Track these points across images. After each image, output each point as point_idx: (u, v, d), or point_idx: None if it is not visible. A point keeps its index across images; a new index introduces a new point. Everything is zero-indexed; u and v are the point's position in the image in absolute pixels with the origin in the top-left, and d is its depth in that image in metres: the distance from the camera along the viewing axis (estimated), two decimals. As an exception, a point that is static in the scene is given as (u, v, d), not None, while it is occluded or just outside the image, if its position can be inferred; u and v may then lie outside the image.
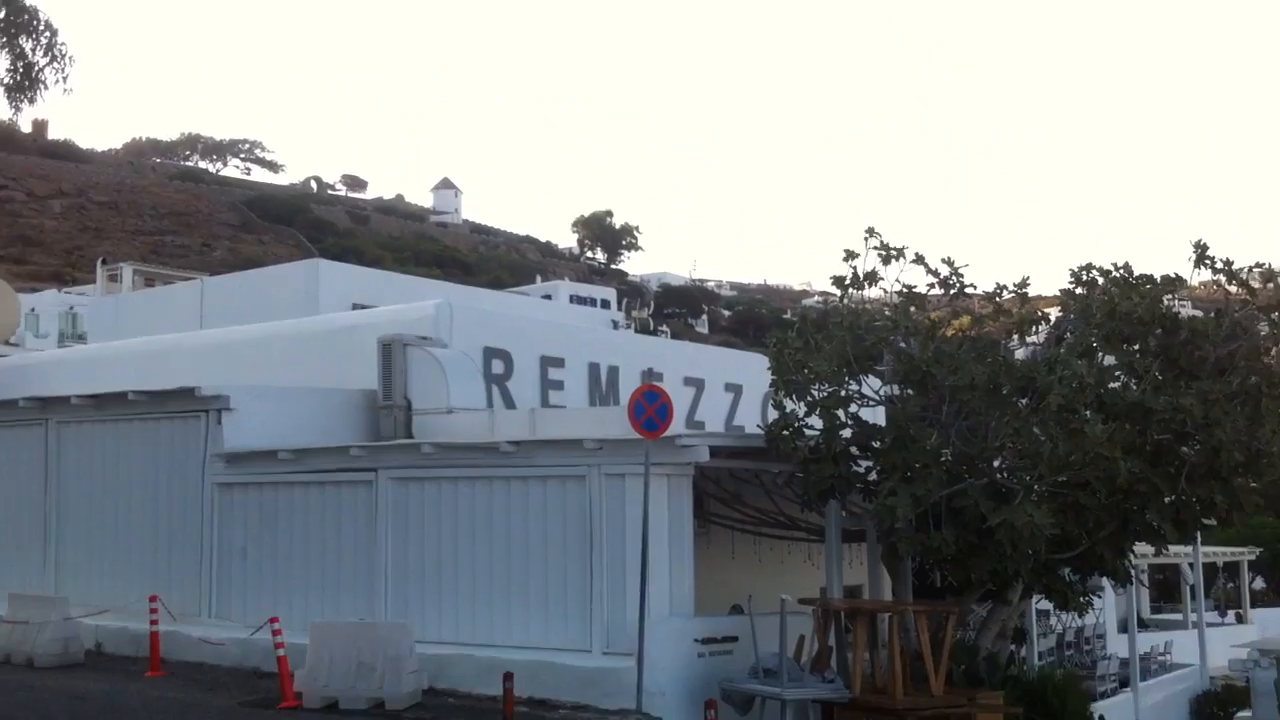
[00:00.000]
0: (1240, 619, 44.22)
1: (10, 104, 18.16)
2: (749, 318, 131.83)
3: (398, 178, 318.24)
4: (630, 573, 14.71)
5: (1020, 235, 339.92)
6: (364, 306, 23.75)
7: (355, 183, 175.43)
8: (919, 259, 17.29)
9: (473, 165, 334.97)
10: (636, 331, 44.11)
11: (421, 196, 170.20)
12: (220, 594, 18.35)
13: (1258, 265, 17.63)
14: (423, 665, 14.89)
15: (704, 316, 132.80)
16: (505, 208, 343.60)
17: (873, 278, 17.31)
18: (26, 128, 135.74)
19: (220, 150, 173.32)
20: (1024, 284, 17.49)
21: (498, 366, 20.50)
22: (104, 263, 67.93)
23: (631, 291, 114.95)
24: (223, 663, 16.88)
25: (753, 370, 22.23)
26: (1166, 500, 15.52)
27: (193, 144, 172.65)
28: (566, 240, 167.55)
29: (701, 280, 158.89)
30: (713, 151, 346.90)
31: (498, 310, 25.68)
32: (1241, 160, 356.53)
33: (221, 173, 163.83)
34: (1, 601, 18.39)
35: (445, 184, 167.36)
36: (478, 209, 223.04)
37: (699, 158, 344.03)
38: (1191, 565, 31.44)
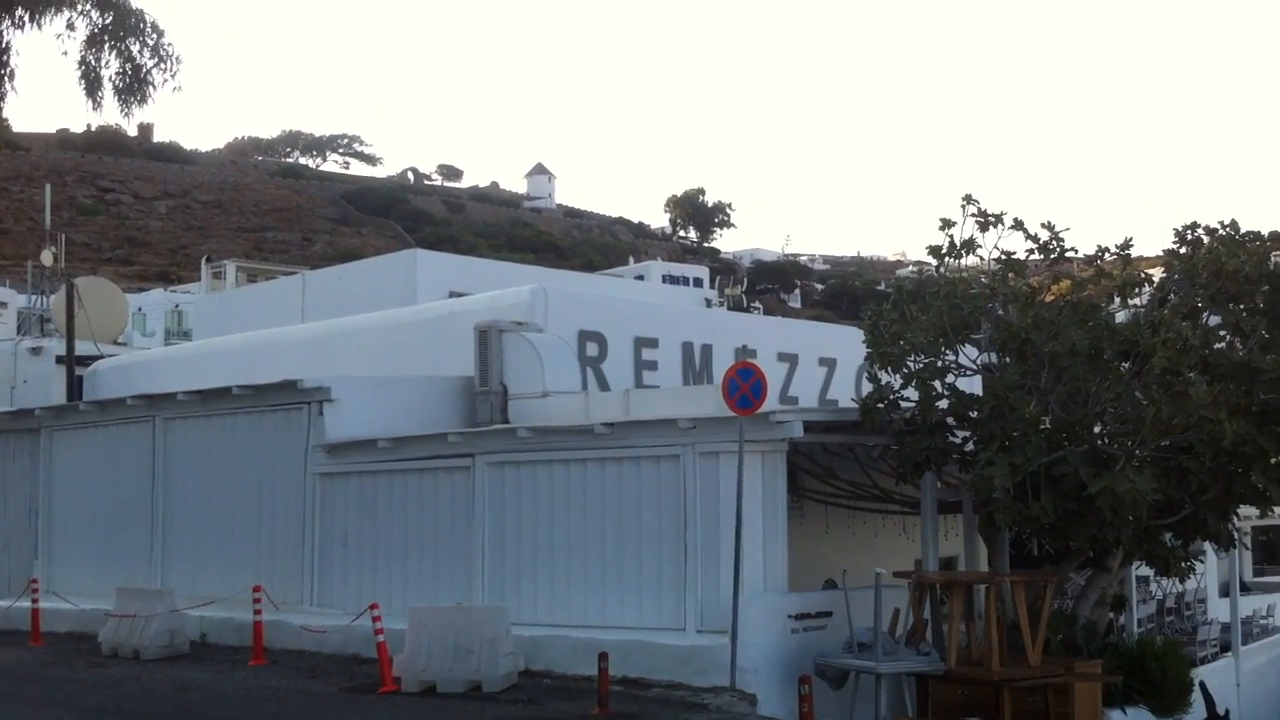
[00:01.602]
0: (1345, 579, 42.84)
1: (120, 106, 18.57)
2: (842, 291, 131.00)
3: (492, 165, 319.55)
4: (724, 551, 14.73)
5: (1124, 196, 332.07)
6: (461, 294, 23.98)
7: (451, 172, 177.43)
8: (1018, 224, 17.05)
9: (566, 149, 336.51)
10: (729, 309, 44.01)
11: (515, 183, 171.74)
12: (322, 582, 18.68)
13: (1371, 216, 16.97)
14: (518, 647, 15.07)
15: (797, 291, 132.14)
16: (598, 191, 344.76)
17: (970, 246, 17.13)
18: (133, 131, 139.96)
19: (320, 146, 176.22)
20: (1127, 245, 17.17)
21: (592, 349, 20.61)
22: (208, 261, 69.44)
23: (724, 269, 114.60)
24: (324, 650, 17.21)
25: (846, 344, 22.10)
26: (1272, 461, 15.11)
27: (293, 141, 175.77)
28: (659, 220, 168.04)
29: (794, 255, 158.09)
30: (805, 124, 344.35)
31: (591, 293, 25.74)
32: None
33: (321, 168, 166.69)
34: (111, 596, 18.94)
35: (539, 169, 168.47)
36: (571, 193, 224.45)
37: (791, 131, 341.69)
38: (1299, 526, 30.57)
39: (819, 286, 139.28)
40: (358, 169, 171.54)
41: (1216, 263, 15.95)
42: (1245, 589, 32.38)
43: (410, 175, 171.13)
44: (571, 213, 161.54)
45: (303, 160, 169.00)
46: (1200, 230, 17.00)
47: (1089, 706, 15.21)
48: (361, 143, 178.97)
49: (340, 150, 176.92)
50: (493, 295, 21.45)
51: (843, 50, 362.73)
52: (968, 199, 16.94)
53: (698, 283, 67.17)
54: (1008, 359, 16.39)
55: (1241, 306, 16.04)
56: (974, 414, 15.85)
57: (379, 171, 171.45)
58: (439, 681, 14.46)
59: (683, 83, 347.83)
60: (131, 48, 19.00)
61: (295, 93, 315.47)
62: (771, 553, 15.20)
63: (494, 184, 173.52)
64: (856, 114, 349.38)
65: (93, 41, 18.49)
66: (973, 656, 15.17)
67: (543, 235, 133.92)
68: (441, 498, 17.68)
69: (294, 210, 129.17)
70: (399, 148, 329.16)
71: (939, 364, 16.13)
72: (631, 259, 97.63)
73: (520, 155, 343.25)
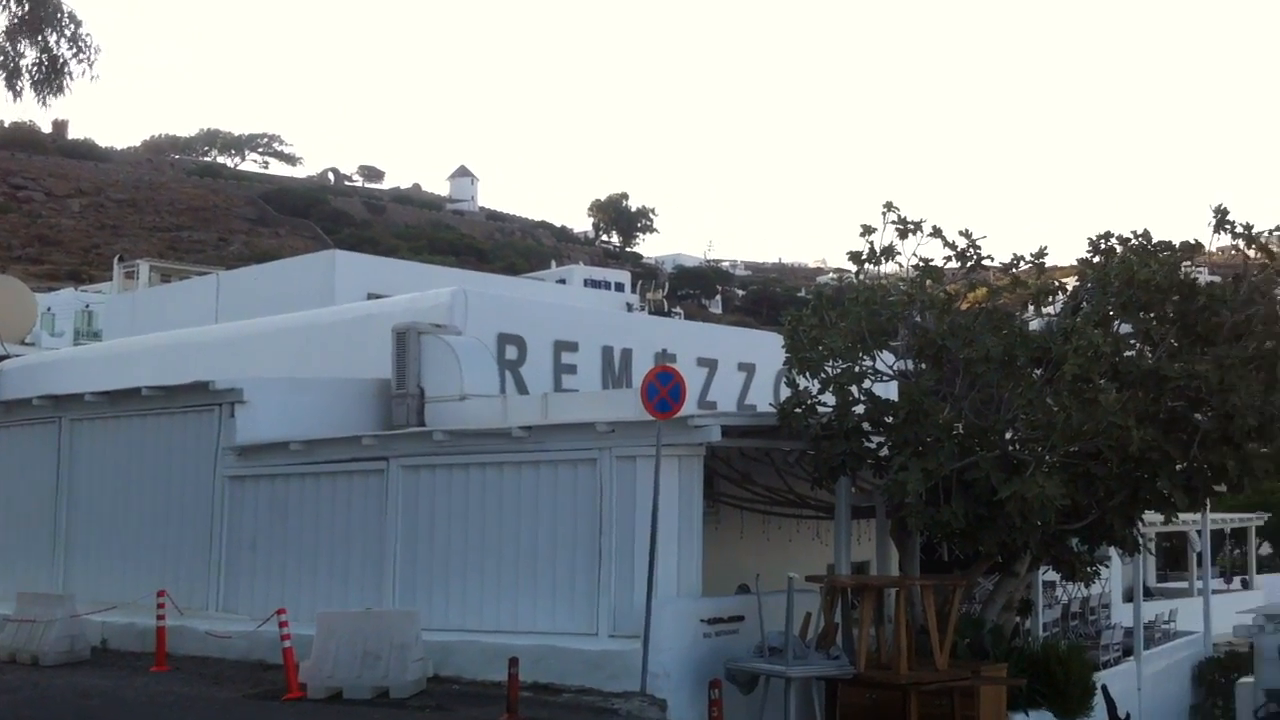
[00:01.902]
0: (1246, 585, 44.05)
1: (37, 97, 18.12)
2: (763, 297, 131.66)
3: (415, 167, 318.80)
4: (639, 555, 14.69)
5: (1039, 206, 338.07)
6: (380, 296, 23.77)
7: (372, 173, 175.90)
8: (936, 232, 17.24)
9: (489, 153, 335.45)
10: (650, 314, 44.04)
11: (438, 185, 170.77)
12: (229, 587, 18.37)
13: (1278, 228, 17.43)
14: (428, 653, 14.90)
15: (718, 297, 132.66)
16: (521, 194, 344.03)
17: (890, 252, 17.29)
18: (47, 128, 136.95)
19: (239, 145, 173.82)
20: (1041, 254, 17.46)
21: (512, 352, 20.49)
22: (120, 260, 68.23)
23: (646, 274, 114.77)
24: (229, 656, 16.92)
25: (766, 349, 22.19)
26: (1178, 468, 15.40)
27: (211, 140, 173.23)
28: (582, 224, 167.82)
29: (716, 261, 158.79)
30: (728, 132, 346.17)
31: (512, 296, 25.65)
32: (1263, 123, 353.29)
33: (239, 167, 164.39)
34: (12, 600, 18.44)
35: (462, 172, 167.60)
36: (494, 196, 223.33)
37: (715, 138, 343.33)
38: (1199, 532, 31.30)
39: (740, 292, 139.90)
40: (277, 169, 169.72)
41: (1128, 272, 16.22)
42: (1149, 594, 33.18)
43: (330, 176, 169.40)
44: (494, 216, 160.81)
45: (220, 159, 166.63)
46: (1113, 240, 17.30)
47: (994, 710, 15.40)
48: (281, 142, 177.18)
49: (259, 150, 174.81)
50: (412, 297, 21.26)
51: (765, 58, 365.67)
52: (888, 206, 17.13)
53: (619, 287, 67.29)
54: (924, 365, 16.57)
55: (1152, 315, 16.34)
56: (889, 419, 15.97)
57: (299, 172, 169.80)
58: (346, 688, 14.25)
59: (608, 88, 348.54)
60: (49, 38, 18.56)
61: (214, 91, 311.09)
62: (686, 557, 15.19)
63: (416, 186, 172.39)
64: (780, 121, 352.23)
65: (11, 33, 18.06)
66: (882, 660, 15.29)
67: (464, 238, 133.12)
68: (354, 502, 17.46)
69: (210, 210, 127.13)
70: (319, 148, 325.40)
71: (856, 369, 16.25)
72: (554, 263, 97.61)
73: (443, 157, 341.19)
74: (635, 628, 14.42)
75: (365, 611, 15.40)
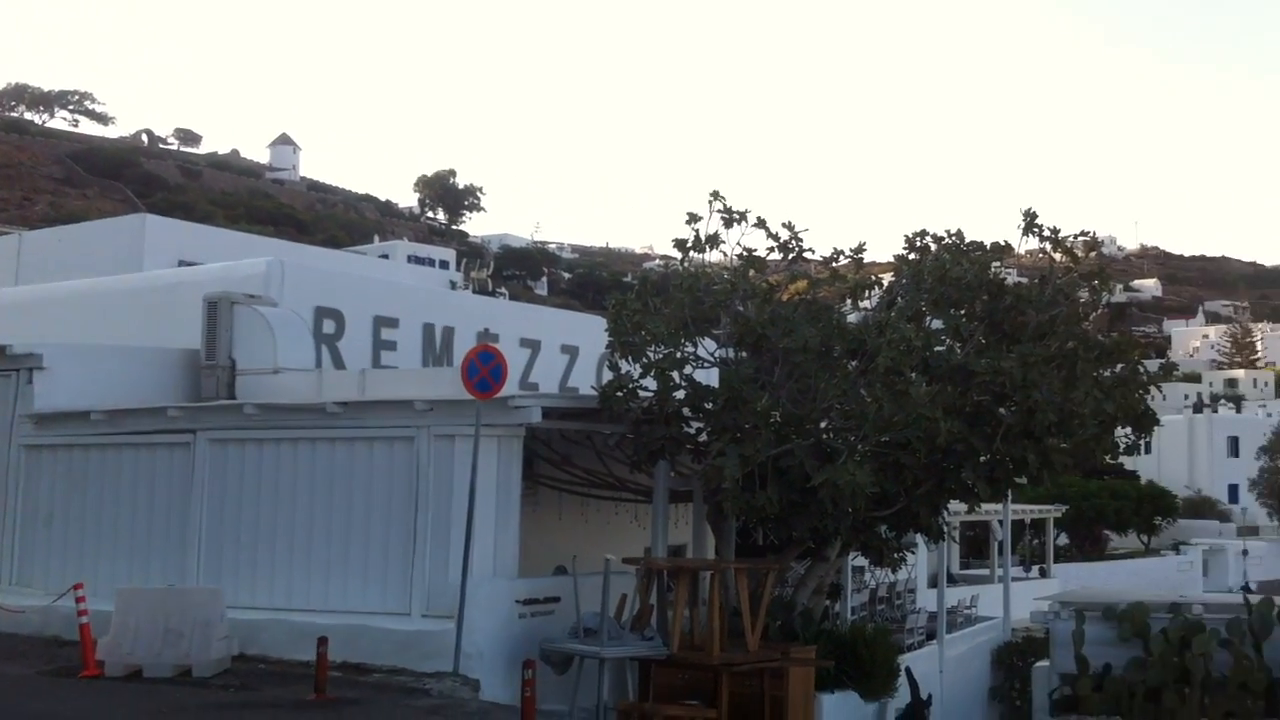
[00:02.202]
0: (1044, 574, 46.25)
1: None
2: (589, 280, 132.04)
3: (234, 133, 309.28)
4: (454, 535, 14.55)
5: (861, 203, 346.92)
6: (192, 264, 22.96)
7: (189, 137, 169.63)
8: (760, 223, 17.45)
9: (313, 122, 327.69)
10: (475, 293, 43.73)
11: (258, 152, 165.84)
12: (23, 561, 17.57)
13: (1082, 234, 18.21)
14: (234, 631, 14.47)
15: (544, 279, 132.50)
16: (345, 166, 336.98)
17: (714, 241, 17.43)
18: None
19: (48, 101, 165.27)
20: (860, 249, 17.91)
21: (329, 326, 20.03)
22: (-87, 215, 64.45)
23: (471, 253, 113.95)
24: (22, 631, 16.14)
25: (590, 332, 22.15)
26: (982, 459, 15.93)
27: (19, 95, 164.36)
28: (407, 200, 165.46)
29: (543, 242, 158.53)
30: (560, 112, 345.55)
31: (331, 269, 25.09)
32: (1073, 132, 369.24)
33: (48, 124, 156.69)
34: None
35: (283, 140, 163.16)
36: (317, 167, 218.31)
37: (546, 118, 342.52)
38: (1000, 522, 32.60)
39: (566, 275, 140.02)
40: (88, 128, 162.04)
41: (941, 269, 16.75)
42: (952, 580, 34.39)
43: (144, 137, 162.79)
44: (316, 186, 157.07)
45: (28, 115, 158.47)
46: (929, 238, 17.79)
47: (802, 690, 15.75)
48: (93, 100, 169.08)
49: (69, 107, 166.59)
50: (226, 266, 20.61)
51: (598, 42, 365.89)
52: (715, 195, 17.27)
53: (444, 265, 66.59)
54: (744, 353, 16.77)
55: (962, 312, 16.86)
56: (709, 405, 16.11)
57: (110, 132, 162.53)
58: (145, 665, 13.73)
59: (438, 62, 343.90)
60: None
61: (23, 45, 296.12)
62: (503, 538, 15.10)
63: (234, 152, 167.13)
64: (612, 106, 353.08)
65: None
66: (695, 641, 15.45)
67: (284, 208, 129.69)
68: (158, 475, 16.85)
69: (15, 167, 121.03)
70: (133, 108, 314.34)
71: (678, 355, 16.34)
72: (377, 237, 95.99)
73: (264, 124, 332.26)
74: (449, 608, 14.27)
75: (167, 588, 14.90)
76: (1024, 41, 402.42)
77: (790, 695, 15.44)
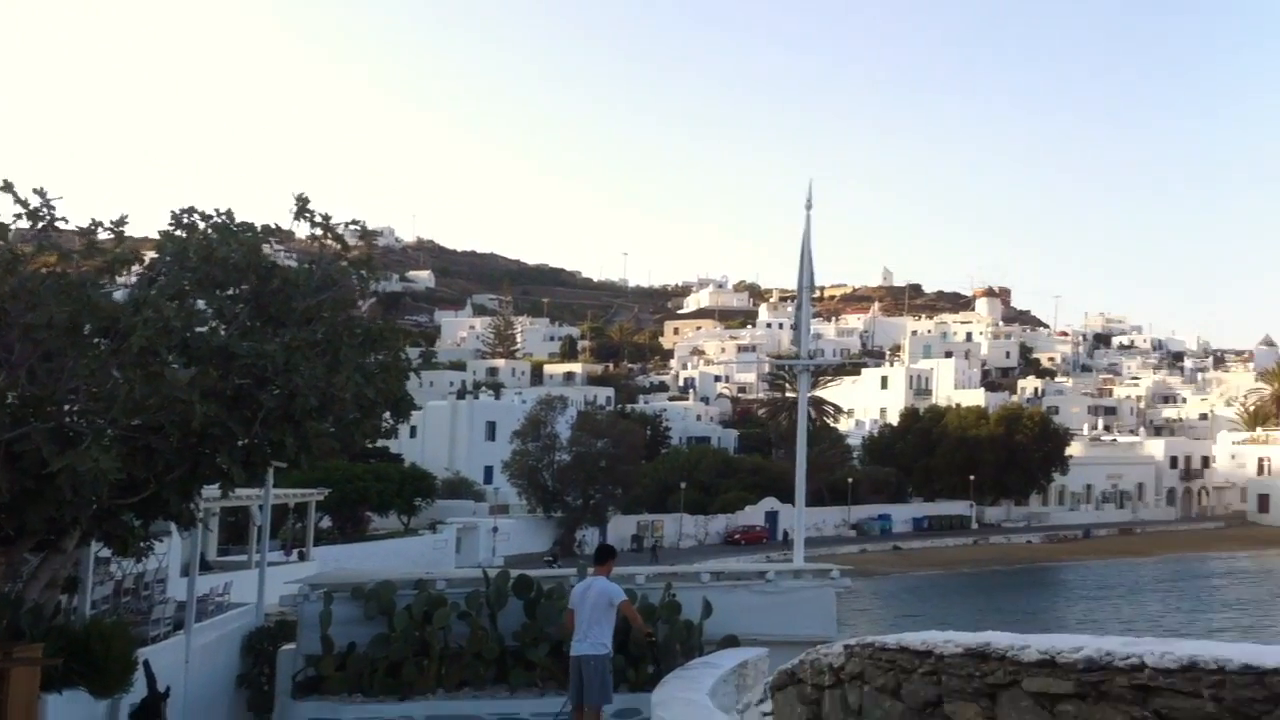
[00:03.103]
0: (303, 557, 46.88)
1: None
2: None
3: None
4: None
5: (136, 178, 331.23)
6: None
7: None
8: (7, 187, 15.80)
9: None
10: None
11: None
12: None
13: (353, 222, 18.64)
14: None
15: None
16: None
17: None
18: None
19: None
20: (122, 222, 16.81)
21: None
22: None
23: None
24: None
25: None
26: (240, 443, 15.66)
27: None
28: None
29: None
30: None
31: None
32: (359, 127, 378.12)
33: None
34: None
35: None
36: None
37: None
38: (261, 507, 32.51)
39: None
40: None
41: (208, 249, 16.32)
42: (208, 568, 33.61)
43: None
44: None
45: None
46: (196, 215, 17.29)
47: (26, 690, 14.57)
48: None
49: None
50: None
51: None
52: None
53: None
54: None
55: (228, 293, 16.52)
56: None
57: None
58: None
59: None
60: None
61: None
62: None
63: None
64: None
65: None
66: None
67: None
68: None
69: None
70: None
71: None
72: None
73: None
74: None
75: None
76: (303, 35, 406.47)
77: (11, 697, 14.22)
